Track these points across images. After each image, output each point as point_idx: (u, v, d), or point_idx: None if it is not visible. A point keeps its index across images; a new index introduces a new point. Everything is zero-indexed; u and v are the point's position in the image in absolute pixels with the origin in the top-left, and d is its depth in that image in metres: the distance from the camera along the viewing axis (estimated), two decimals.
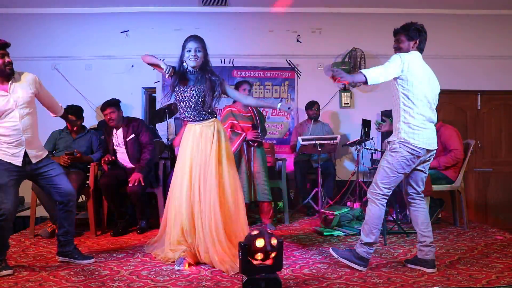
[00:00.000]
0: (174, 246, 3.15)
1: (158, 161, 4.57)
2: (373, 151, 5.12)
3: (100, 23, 6.02)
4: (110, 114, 4.28)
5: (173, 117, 5.46)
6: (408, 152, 2.89)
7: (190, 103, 3.20)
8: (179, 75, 3.21)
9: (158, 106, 5.41)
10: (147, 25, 6.02)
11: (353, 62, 5.94)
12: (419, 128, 2.90)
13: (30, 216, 4.17)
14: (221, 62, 5.87)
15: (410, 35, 3.06)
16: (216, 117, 3.30)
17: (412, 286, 2.62)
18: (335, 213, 4.23)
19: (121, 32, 6.01)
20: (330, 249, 3.11)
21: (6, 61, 2.84)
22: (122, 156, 4.39)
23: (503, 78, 6.20)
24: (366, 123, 5.15)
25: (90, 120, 5.70)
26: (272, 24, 6.10)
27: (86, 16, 6.01)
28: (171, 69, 3.11)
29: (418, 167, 3.00)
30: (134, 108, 5.91)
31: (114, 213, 4.34)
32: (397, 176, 2.93)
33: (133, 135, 4.33)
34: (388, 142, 3.01)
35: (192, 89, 3.18)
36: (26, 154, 2.92)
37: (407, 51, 3.06)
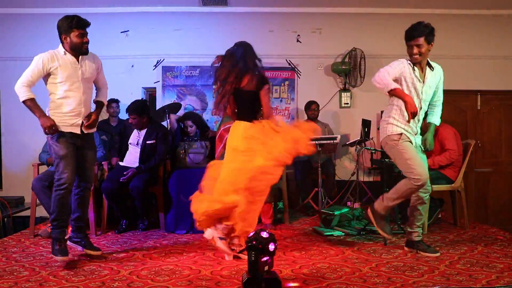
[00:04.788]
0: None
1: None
2: (373, 151, 5.12)
3: (100, 23, 5.99)
4: (132, 120, 4.41)
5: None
6: None
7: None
8: None
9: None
10: (147, 25, 6.02)
11: (353, 62, 5.94)
12: None
13: (30, 216, 4.17)
14: None
15: (429, 38, 2.86)
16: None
17: (412, 286, 2.62)
18: (335, 213, 4.23)
19: (121, 32, 6.01)
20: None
21: (84, 40, 3.08)
22: (134, 155, 4.40)
23: (503, 78, 6.20)
24: (366, 123, 5.15)
25: None
26: (272, 24, 6.10)
27: (86, 16, 5.86)
28: None
29: None
30: None
31: (119, 212, 4.35)
32: None
33: (154, 141, 4.38)
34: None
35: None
36: (82, 124, 3.08)
37: (425, 57, 2.96)
